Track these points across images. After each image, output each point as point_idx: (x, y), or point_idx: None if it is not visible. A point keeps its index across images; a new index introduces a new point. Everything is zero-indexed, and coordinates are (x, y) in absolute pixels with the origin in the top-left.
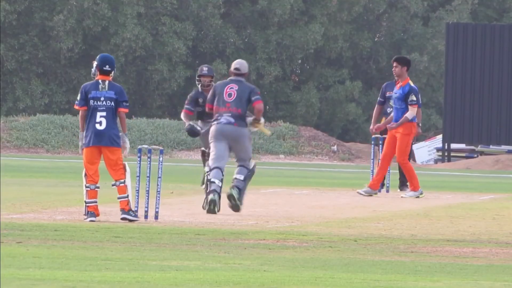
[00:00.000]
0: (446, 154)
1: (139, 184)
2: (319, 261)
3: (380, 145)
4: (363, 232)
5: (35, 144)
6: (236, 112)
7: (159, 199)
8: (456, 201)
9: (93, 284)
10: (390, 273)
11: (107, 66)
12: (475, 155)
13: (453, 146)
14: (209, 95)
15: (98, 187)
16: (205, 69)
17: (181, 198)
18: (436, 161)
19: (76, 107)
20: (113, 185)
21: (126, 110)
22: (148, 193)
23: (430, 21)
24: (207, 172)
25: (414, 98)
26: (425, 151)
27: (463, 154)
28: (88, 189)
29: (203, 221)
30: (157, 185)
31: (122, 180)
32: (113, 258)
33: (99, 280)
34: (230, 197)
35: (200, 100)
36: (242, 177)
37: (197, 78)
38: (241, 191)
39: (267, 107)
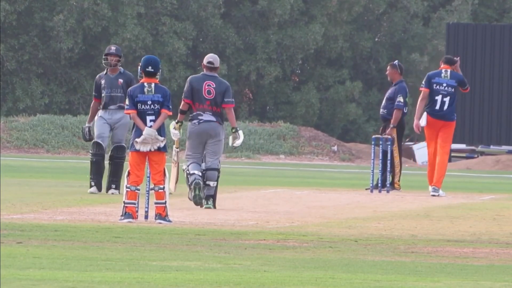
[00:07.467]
0: None
1: None
2: (320, 261)
3: (380, 145)
4: (364, 233)
5: (35, 145)
6: (216, 110)
7: None
8: (457, 201)
9: (94, 285)
10: (390, 274)
11: (150, 67)
12: (476, 155)
13: (454, 146)
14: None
15: (138, 190)
16: (113, 48)
17: (181, 198)
18: None
19: (126, 112)
20: (151, 189)
21: (169, 113)
22: (148, 193)
23: (430, 21)
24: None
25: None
26: (425, 151)
27: (464, 154)
28: (129, 190)
29: (203, 222)
30: None
31: (162, 186)
32: (113, 259)
33: (100, 281)
34: (206, 207)
35: (102, 82)
36: (215, 184)
37: (103, 57)
38: (214, 198)
39: (268, 107)
